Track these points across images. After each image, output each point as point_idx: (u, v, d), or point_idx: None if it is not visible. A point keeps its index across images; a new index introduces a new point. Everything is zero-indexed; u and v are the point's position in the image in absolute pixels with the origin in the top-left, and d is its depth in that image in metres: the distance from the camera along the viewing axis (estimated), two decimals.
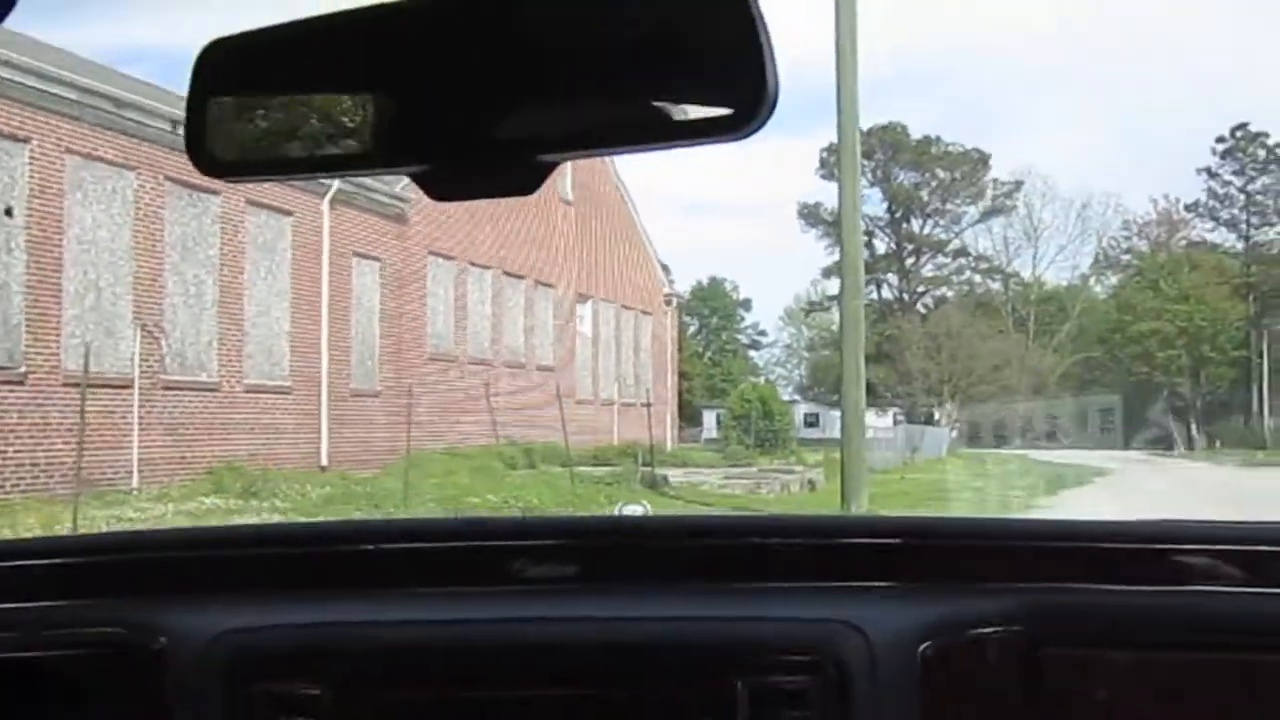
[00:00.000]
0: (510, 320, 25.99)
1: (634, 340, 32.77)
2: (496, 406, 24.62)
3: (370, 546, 1.69)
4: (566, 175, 28.59)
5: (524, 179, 0.88)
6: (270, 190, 17.96)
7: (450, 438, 22.81)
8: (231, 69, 0.93)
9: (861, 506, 14.52)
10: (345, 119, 0.92)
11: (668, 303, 35.53)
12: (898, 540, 1.67)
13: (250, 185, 17.39)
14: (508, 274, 25.79)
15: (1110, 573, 1.57)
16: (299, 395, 18.74)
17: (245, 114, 0.95)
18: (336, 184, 19.18)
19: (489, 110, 0.87)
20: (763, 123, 0.83)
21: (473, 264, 24.31)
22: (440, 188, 0.91)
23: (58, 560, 1.72)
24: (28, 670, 1.57)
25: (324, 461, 18.99)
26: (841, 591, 1.57)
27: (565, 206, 28.70)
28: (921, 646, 1.49)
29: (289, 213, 18.52)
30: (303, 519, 12.12)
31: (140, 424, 15.46)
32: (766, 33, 0.82)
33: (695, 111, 0.86)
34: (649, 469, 20.84)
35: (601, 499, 17.19)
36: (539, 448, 23.56)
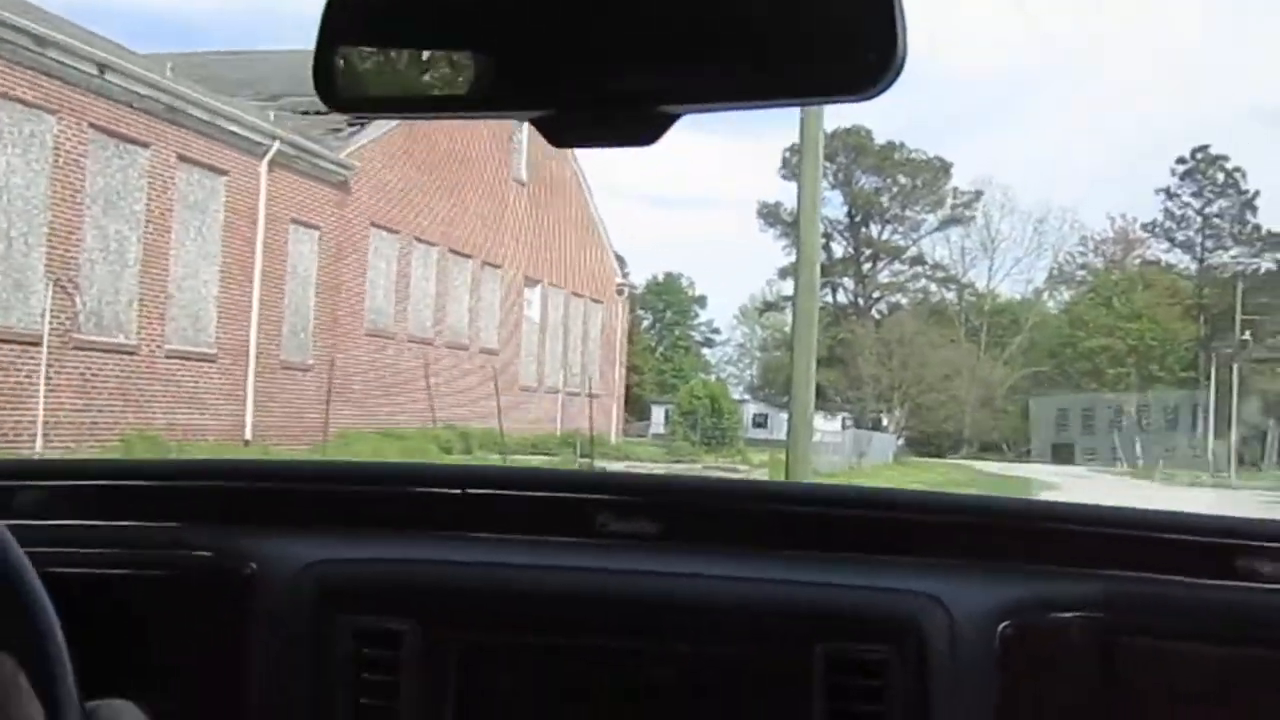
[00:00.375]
0: (455, 300, 25.17)
1: (582, 329, 32.05)
2: (436, 388, 23.83)
3: (459, 490, 1.71)
4: (521, 154, 27.82)
5: (645, 129, 0.88)
6: (205, 148, 17.08)
7: (386, 418, 22.01)
8: (360, 10, 0.93)
9: None
10: (471, 63, 0.92)
11: (619, 293, 34.83)
12: (983, 519, 1.69)
13: (184, 141, 16.56)
14: (454, 252, 24.96)
15: (1192, 565, 1.57)
16: (224, 364, 17.82)
17: (373, 53, 0.95)
18: (276, 145, 18.32)
19: (613, 59, 0.87)
20: (889, 84, 0.81)
21: (418, 239, 23.46)
22: (560, 134, 0.90)
23: (155, 482, 1.77)
24: (122, 586, 1.60)
25: (248, 435, 18.12)
26: (925, 566, 1.57)
27: (518, 187, 27.93)
28: (1001, 625, 1.49)
29: (224, 172, 17.60)
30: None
31: (48, 384, 14.52)
32: None
33: (822, 69, 0.85)
34: (588, 460, 20.13)
35: None
36: (477, 433, 22.83)
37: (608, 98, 0.88)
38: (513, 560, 1.57)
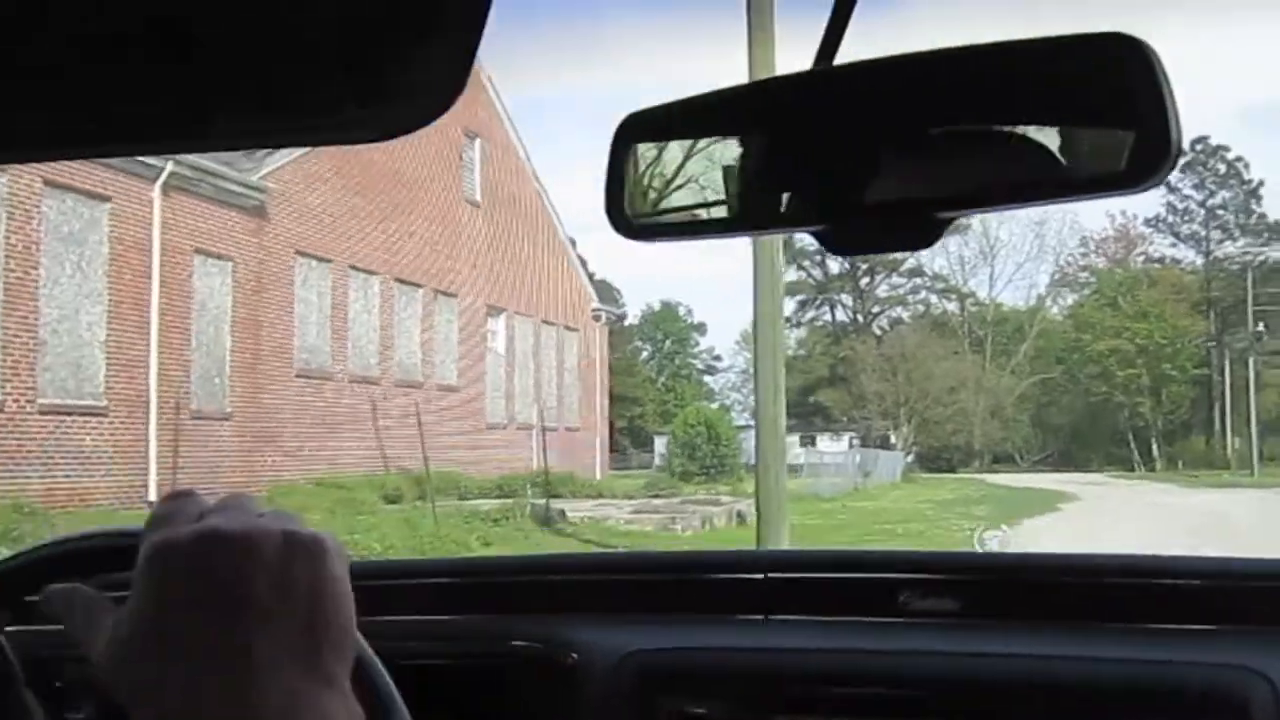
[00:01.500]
0: (403, 333, 22.98)
1: (557, 359, 29.87)
2: (386, 430, 21.62)
3: (761, 575, 1.75)
4: (474, 173, 25.73)
5: (921, 235, 0.89)
6: (81, 171, 14.95)
7: (325, 466, 19.79)
8: (646, 138, 0.97)
9: (781, 543, 11.77)
10: (750, 182, 0.95)
11: (597, 318, 32.64)
12: None
13: (50, 164, 14.46)
14: (400, 281, 22.78)
15: None
16: (118, 418, 15.61)
17: (657, 179, 0.98)
18: (170, 166, 16.16)
19: (888, 170, 0.88)
20: (1164, 176, 0.80)
21: (355, 268, 21.30)
22: (839, 243, 0.92)
23: (483, 578, 1.90)
24: (459, 676, 1.65)
25: (151, 496, 15.89)
26: (1242, 637, 1.51)
27: (472, 209, 25.80)
28: None
29: (105, 198, 15.45)
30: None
31: None
32: (1168, 83, 0.80)
33: (1096, 164, 0.86)
34: (544, 502, 17.86)
35: (473, 541, 14.22)
36: (433, 476, 20.60)
37: (884, 207, 0.88)
38: (817, 643, 1.61)
